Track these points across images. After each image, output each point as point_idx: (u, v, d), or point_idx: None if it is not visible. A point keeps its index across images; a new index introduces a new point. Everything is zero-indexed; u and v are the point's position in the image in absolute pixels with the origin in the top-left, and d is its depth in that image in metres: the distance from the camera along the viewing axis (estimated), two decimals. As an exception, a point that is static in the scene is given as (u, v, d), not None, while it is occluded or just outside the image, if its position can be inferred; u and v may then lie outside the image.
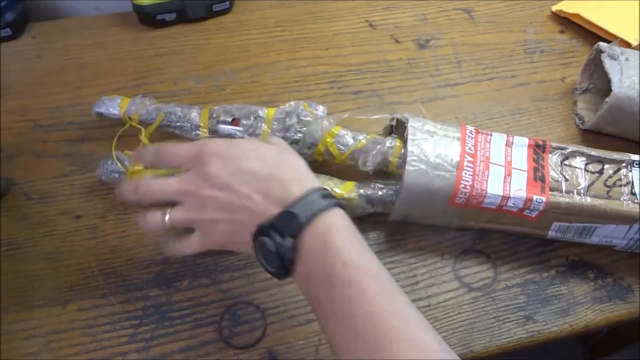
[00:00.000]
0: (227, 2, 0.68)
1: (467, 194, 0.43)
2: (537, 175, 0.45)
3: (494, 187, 0.44)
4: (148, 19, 0.66)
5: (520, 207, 0.44)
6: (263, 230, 0.34)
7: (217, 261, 0.47)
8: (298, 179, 0.36)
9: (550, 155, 0.47)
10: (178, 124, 0.51)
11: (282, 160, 0.37)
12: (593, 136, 0.57)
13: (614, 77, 0.52)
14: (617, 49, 0.55)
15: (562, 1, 0.71)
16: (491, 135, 0.47)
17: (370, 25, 0.68)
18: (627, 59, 0.54)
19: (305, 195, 0.34)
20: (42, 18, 0.69)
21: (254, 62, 0.63)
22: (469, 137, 0.46)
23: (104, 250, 0.48)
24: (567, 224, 0.45)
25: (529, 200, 0.43)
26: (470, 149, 0.45)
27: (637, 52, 0.55)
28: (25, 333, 0.43)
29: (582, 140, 0.57)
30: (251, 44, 0.66)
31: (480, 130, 0.47)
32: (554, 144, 0.47)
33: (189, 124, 0.51)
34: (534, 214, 0.44)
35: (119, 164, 0.48)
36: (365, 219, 0.48)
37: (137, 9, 0.65)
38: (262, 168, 0.36)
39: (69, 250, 0.47)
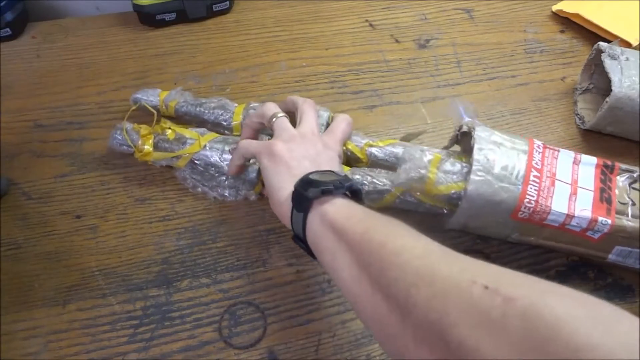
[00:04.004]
0: (227, 2, 0.68)
1: (531, 209, 0.42)
2: (604, 196, 0.43)
3: (559, 205, 0.42)
4: (148, 19, 0.66)
5: (584, 228, 0.42)
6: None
7: (217, 261, 0.47)
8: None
9: (618, 177, 0.45)
10: (212, 117, 0.53)
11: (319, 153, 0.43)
12: (593, 136, 0.57)
13: (614, 77, 0.52)
14: (618, 49, 0.55)
15: (562, 1, 0.71)
16: (559, 151, 0.45)
17: (370, 25, 0.68)
18: (627, 59, 0.54)
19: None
20: (42, 18, 0.69)
21: (253, 62, 0.63)
22: (536, 151, 0.44)
23: (103, 250, 0.48)
24: (630, 249, 0.43)
25: (593, 221, 0.42)
26: (537, 163, 0.44)
27: (638, 52, 0.55)
28: (25, 333, 0.43)
29: (582, 140, 0.57)
30: (251, 43, 0.66)
31: (548, 146, 0.46)
32: (623, 166, 0.46)
33: (224, 116, 0.52)
34: (596, 236, 0.43)
35: (127, 138, 0.50)
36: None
37: (137, 9, 0.65)
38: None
39: (68, 250, 0.47)
